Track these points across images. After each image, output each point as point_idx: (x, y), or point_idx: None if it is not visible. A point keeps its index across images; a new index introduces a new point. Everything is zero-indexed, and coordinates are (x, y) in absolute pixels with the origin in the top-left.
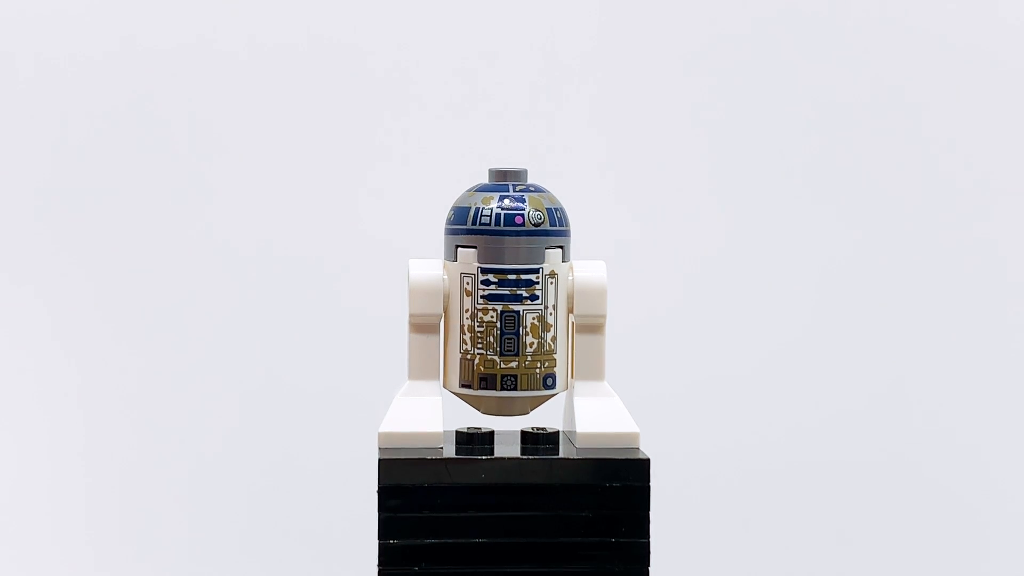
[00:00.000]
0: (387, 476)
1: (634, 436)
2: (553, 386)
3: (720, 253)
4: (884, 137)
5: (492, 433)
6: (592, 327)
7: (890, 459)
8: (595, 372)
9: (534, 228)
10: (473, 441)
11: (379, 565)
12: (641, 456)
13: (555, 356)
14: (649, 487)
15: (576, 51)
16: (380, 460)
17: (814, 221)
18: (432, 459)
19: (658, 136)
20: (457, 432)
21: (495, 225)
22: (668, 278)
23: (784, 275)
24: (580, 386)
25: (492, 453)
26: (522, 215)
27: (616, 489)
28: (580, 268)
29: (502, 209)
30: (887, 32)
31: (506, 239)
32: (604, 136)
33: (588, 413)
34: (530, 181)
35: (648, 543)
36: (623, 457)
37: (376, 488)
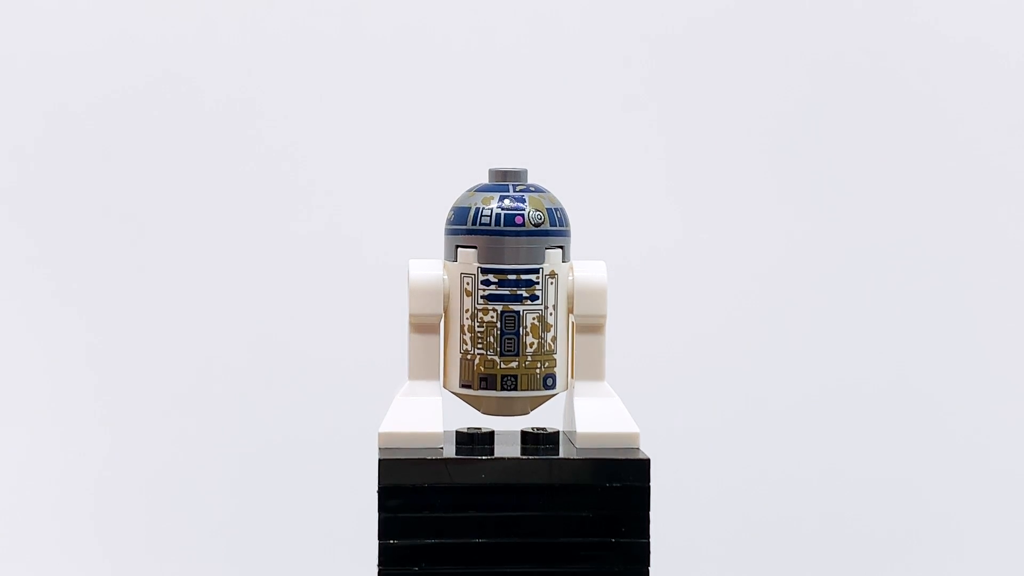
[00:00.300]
0: (387, 476)
1: (634, 436)
2: (553, 386)
3: (720, 253)
4: (894, 137)
5: (492, 433)
6: (592, 327)
7: (890, 459)
8: (595, 372)
9: (534, 228)
10: (473, 441)
11: (379, 565)
12: (641, 456)
13: (555, 356)
14: (649, 487)
15: (575, 51)
16: (380, 460)
17: (814, 222)
18: (432, 459)
19: (658, 135)
20: (457, 432)
21: (495, 225)
22: (668, 278)
23: (785, 275)
24: (580, 386)
25: (492, 453)
26: (522, 215)
27: (616, 489)
28: (580, 268)
29: (502, 209)
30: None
31: (506, 239)
32: (604, 136)
33: (588, 413)
34: (530, 181)
35: (648, 543)
36: (623, 457)
37: (376, 488)
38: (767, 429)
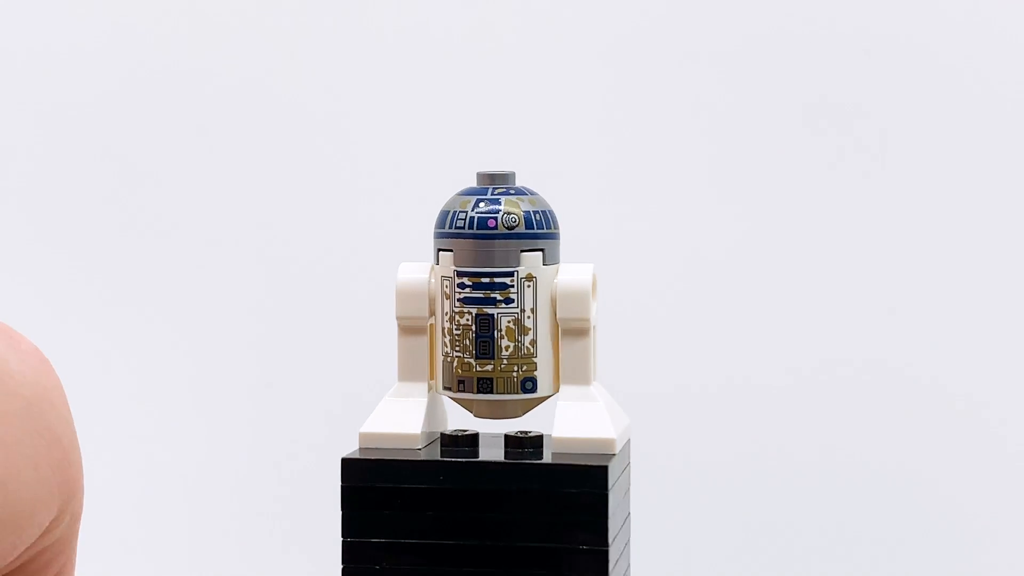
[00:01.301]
0: (349, 476)
1: (610, 442)
2: (534, 389)
3: (718, 253)
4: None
5: (476, 436)
6: (576, 331)
7: (882, 457)
8: (580, 376)
9: (507, 231)
10: (458, 443)
11: (342, 563)
12: (598, 464)
13: (535, 359)
14: (607, 494)
15: (577, 54)
16: (343, 460)
17: (808, 221)
18: (392, 460)
19: (657, 136)
20: (442, 435)
21: (469, 229)
22: (666, 278)
23: (782, 274)
24: (565, 390)
25: (477, 456)
26: (495, 218)
27: (573, 495)
28: (565, 271)
29: (477, 213)
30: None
31: (479, 242)
32: (604, 137)
33: (567, 418)
34: (526, 183)
35: (606, 551)
36: (581, 463)
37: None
38: (765, 429)
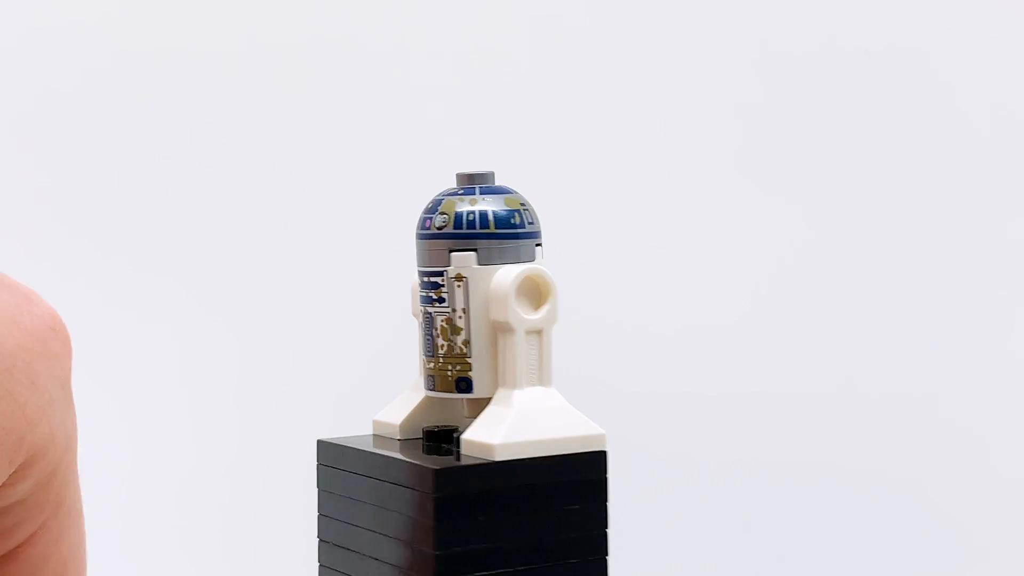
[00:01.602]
0: (319, 455)
1: (490, 448)
2: (469, 390)
3: (713, 250)
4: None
5: (452, 431)
6: (503, 332)
7: (879, 467)
8: (509, 380)
9: (436, 231)
10: (437, 438)
11: (317, 536)
12: (429, 466)
13: (469, 360)
14: (435, 498)
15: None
16: (317, 441)
17: (792, 219)
18: (338, 444)
19: (655, 135)
20: (423, 429)
21: (418, 228)
22: (671, 280)
23: (781, 275)
24: (497, 393)
25: (451, 452)
26: (431, 219)
27: (417, 494)
28: (499, 273)
29: (424, 214)
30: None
31: (420, 243)
32: (600, 137)
33: (480, 421)
34: (514, 183)
35: (436, 555)
36: (421, 464)
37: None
38: (761, 434)
